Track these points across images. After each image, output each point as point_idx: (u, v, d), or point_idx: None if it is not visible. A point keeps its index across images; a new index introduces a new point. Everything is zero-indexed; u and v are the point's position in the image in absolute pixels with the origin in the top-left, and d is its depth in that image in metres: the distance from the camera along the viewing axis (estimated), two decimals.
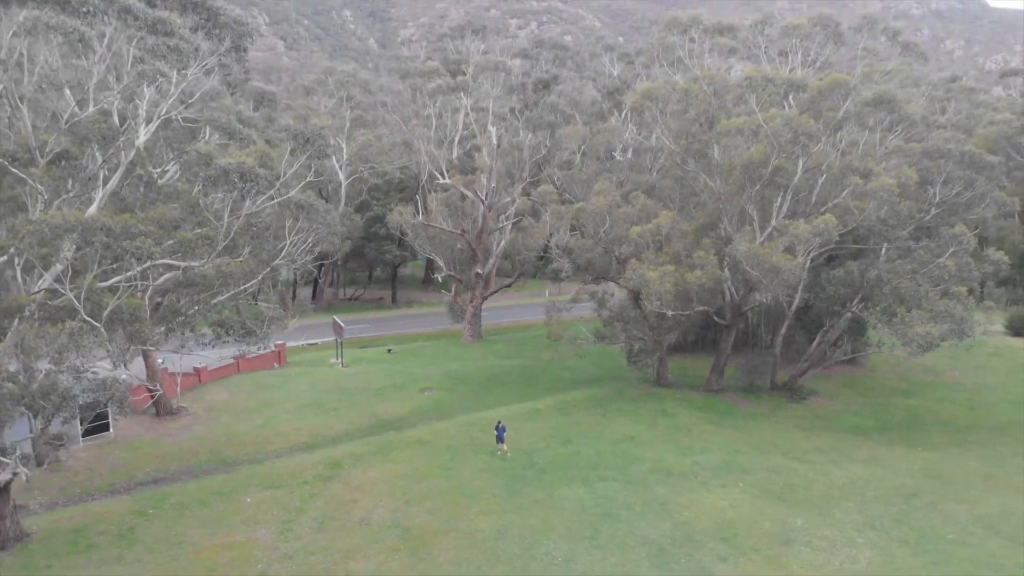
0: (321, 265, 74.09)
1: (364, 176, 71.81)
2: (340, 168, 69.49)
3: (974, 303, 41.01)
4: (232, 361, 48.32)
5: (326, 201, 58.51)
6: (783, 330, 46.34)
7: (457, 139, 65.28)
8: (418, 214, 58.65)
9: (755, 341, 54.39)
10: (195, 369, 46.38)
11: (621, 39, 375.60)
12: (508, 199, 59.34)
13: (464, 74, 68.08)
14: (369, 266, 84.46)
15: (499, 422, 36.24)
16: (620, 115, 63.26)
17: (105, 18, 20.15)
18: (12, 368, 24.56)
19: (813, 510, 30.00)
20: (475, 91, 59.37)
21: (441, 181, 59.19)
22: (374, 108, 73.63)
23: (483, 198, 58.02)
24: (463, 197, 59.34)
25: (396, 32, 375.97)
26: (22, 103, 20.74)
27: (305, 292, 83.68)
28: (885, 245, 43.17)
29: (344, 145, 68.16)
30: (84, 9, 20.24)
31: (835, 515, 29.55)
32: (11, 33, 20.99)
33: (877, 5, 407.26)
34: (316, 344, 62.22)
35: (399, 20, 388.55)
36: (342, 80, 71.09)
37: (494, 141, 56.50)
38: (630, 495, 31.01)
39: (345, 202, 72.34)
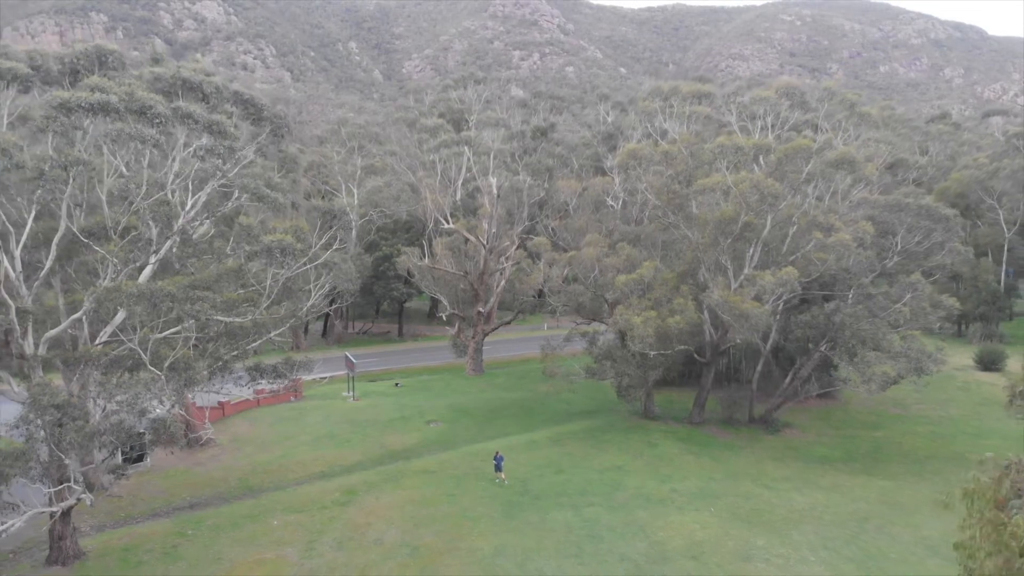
0: (332, 302, 78.47)
1: (373, 218, 76.52)
2: (352, 212, 74.16)
3: (930, 344, 45.15)
4: (254, 397, 52.43)
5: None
6: (759, 367, 50.47)
7: (460, 182, 70.12)
8: (424, 257, 63.18)
9: (737, 376, 58.39)
10: (219, 403, 50.47)
11: (623, 70, 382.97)
12: (508, 242, 63.88)
13: (467, 122, 73.23)
14: (377, 301, 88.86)
15: (497, 452, 40.33)
16: (613, 158, 67.96)
17: (173, 125, 24.67)
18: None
19: (774, 532, 33.94)
20: (477, 142, 64.13)
21: (446, 226, 63.80)
22: (382, 155, 78.63)
23: (484, 242, 62.56)
24: (466, 240, 63.88)
25: (401, 64, 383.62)
26: (102, 191, 25.25)
27: (316, 326, 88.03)
28: (852, 290, 47.48)
29: (355, 190, 72.98)
30: (157, 121, 24.77)
31: (793, 536, 33.49)
32: (84, 135, 25.58)
33: (876, 35, 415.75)
34: (328, 378, 66.21)
35: (404, 52, 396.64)
36: (353, 132, 76.28)
37: (494, 191, 61.14)
38: (613, 518, 34.96)
39: (355, 242, 76.96)
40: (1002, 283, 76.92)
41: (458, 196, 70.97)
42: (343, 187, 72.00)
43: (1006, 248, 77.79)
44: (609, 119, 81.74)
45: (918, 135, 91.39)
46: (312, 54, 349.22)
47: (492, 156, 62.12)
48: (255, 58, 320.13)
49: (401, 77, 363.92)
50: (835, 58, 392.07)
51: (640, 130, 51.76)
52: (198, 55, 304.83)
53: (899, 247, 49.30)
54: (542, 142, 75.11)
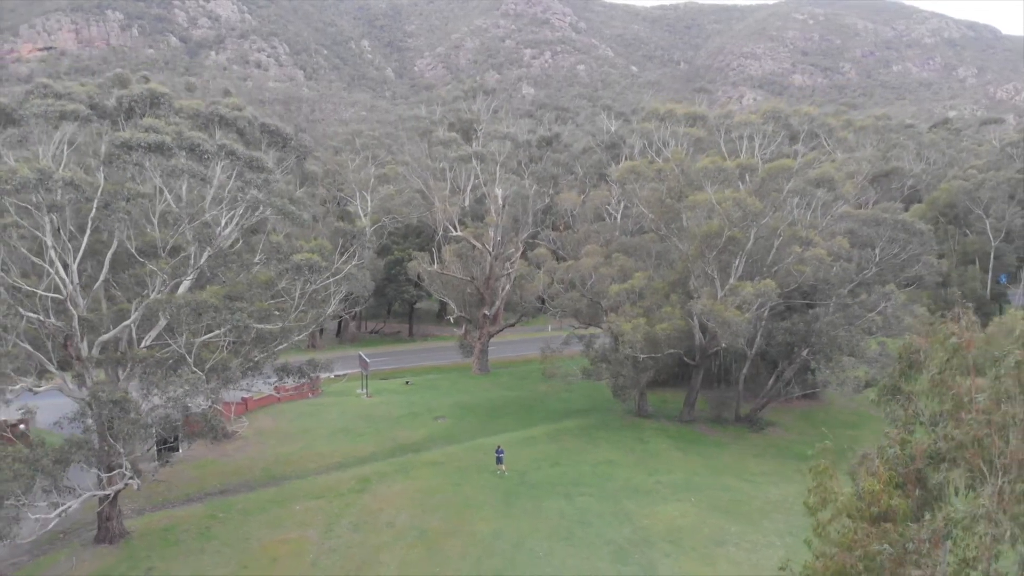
0: (347, 307, 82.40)
1: (385, 223, 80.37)
2: (365, 218, 78.02)
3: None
4: (275, 393, 56.43)
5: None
6: (745, 369, 53.96)
7: (469, 188, 73.90)
8: (434, 263, 67.00)
9: (727, 377, 61.87)
10: (243, 399, 54.42)
11: (634, 68, 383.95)
12: (513, 248, 67.61)
13: (476, 131, 76.98)
14: (389, 303, 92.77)
15: (498, 447, 44.09)
16: (615, 167, 71.44)
17: (217, 159, 28.53)
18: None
19: (747, 520, 37.54)
20: (484, 154, 67.88)
21: (454, 233, 67.57)
22: (394, 163, 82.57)
23: (490, 249, 66.30)
24: (473, 247, 67.61)
25: (413, 62, 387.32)
26: (154, 216, 29.16)
27: (331, 326, 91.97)
28: (834, 299, 50.84)
29: (368, 198, 76.88)
30: (205, 157, 28.62)
31: (763, 524, 37.10)
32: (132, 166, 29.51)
33: (889, 34, 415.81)
34: (344, 376, 69.97)
35: (416, 50, 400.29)
36: (367, 142, 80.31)
37: (500, 201, 64.87)
38: (602, 507, 38.65)
39: (369, 249, 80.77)
40: (988, 289, 79.87)
41: (466, 203, 74.66)
42: (357, 195, 75.90)
43: (992, 255, 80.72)
44: (612, 128, 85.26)
45: (915, 143, 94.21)
46: (325, 52, 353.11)
47: (499, 167, 65.82)
48: (268, 56, 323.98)
49: (413, 75, 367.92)
50: (848, 57, 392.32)
51: (639, 146, 55.26)
52: (212, 52, 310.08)
53: (878, 258, 52.59)
54: (547, 151, 78.61)
